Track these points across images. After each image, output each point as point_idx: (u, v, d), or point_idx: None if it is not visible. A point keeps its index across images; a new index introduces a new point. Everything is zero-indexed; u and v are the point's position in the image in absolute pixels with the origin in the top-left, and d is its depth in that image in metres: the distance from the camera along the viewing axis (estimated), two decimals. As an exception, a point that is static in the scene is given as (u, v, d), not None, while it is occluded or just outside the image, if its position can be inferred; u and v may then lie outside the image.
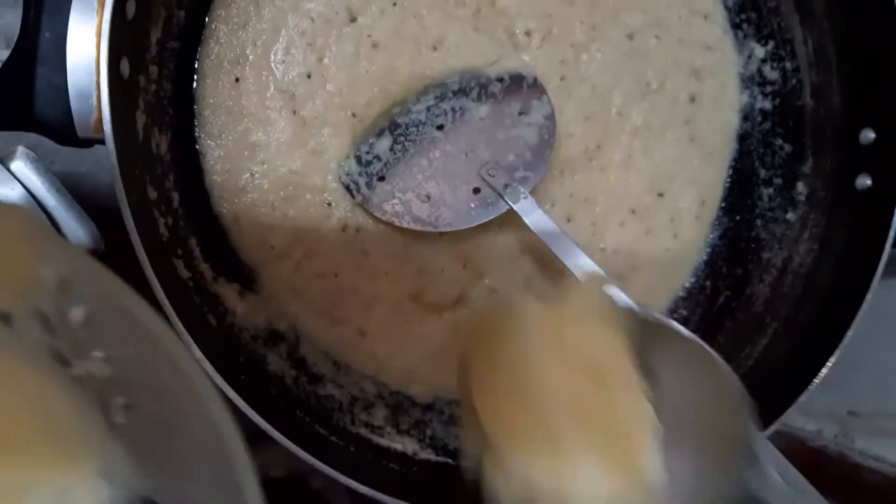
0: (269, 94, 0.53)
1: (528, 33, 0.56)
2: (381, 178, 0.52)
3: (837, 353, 0.49)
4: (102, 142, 0.40)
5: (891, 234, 0.50)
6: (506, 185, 0.50)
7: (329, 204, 0.53)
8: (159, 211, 0.46)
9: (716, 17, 0.60)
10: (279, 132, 0.53)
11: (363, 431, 0.54)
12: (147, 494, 0.29)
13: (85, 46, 0.39)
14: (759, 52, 0.60)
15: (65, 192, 0.43)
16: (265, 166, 0.53)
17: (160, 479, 0.30)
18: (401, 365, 0.56)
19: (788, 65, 0.59)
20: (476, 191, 0.52)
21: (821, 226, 0.56)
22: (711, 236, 0.61)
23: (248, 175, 0.53)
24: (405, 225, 0.51)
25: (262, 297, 0.53)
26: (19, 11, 0.38)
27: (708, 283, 0.61)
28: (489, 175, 0.51)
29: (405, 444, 0.55)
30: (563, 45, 0.57)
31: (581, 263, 0.48)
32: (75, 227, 0.43)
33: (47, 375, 0.29)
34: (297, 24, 0.52)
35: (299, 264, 0.53)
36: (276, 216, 0.53)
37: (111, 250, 0.43)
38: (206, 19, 0.51)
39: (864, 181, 0.53)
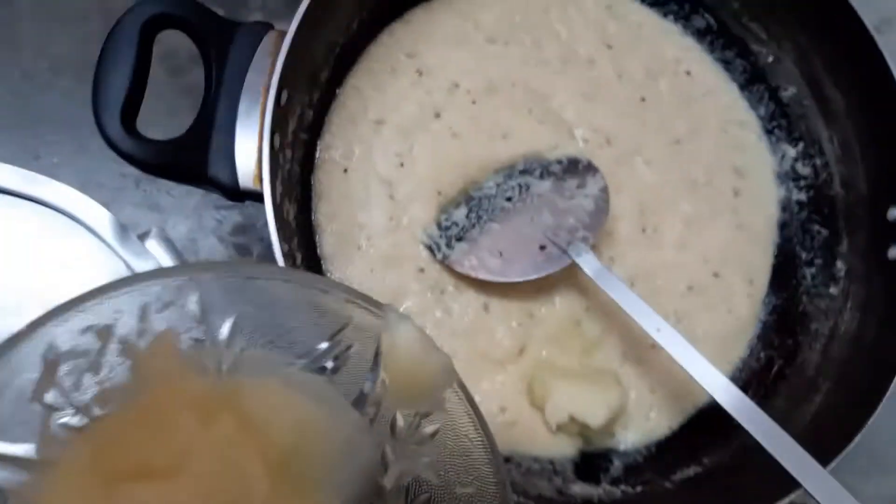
0: (371, 182, 0.63)
1: (585, 140, 0.66)
2: (459, 239, 0.61)
3: (884, 401, 0.54)
4: (258, 196, 0.49)
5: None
6: (568, 242, 0.59)
7: (421, 270, 0.62)
8: (288, 261, 0.55)
9: (750, 125, 0.70)
10: (380, 212, 0.62)
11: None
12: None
13: (250, 120, 0.50)
14: (791, 152, 0.69)
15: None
16: (369, 240, 0.62)
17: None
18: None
19: (818, 161, 0.68)
20: (542, 248, 0.60)
21: (861, 295, 0.62)
22: (762, 313, 0.67)
23: (355, 248, 0.62)
24: (481, 276, 0.59)
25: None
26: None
27: (762, 354, 0.66)
28: (553, 235, 0.59)
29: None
30: (616, 150, 0.67)
31: (640, 308, 0.55)
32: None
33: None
34: (396, 123, 0.63)
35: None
36: (374, 279, 0.61)
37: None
38: (325, 118, 0.62)
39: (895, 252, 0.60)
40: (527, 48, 0.68)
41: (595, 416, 0.59)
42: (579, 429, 0.61)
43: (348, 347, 0.41)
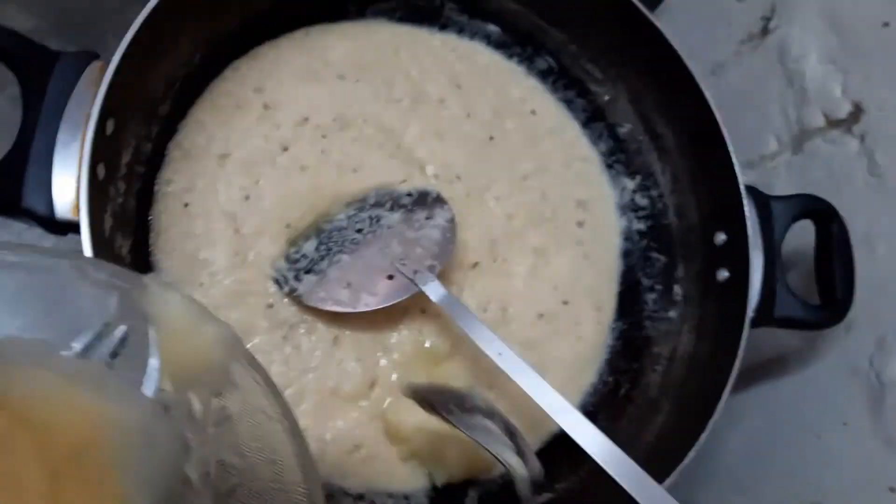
0: (213, 217, 0.61)
1: (436, 176, 0.68)
2: (308, 272, 0.60)
3: (715, 416, 0.57)
4: (77, 228, 0.48)
5: (749, 313, 0.60)
6: (415, 272, 0.59)
7: (270, 306, 0.61)
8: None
9: (592, 160, 0.73)
10: (224, 248, 0.61)
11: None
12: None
13: (69, 151, 0.48)
14: (630, 184, 0.73)
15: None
16: (212, 278, 0.60)
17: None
18: (330, 461, 0.60)
19: (654, 192, 0.71)
20: (390, 277, 0.60)
21: (696, 318, 0.66)
22: (610, 338, 0.69)
23: (196, 285, 0.60)
24: (329, 308, 0.59)
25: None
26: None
27: (610, 378, 0.68)
28: (401, 264, 0.60)
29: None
30: (466, 186, 0.68)
31: (483, 334, 0.55)
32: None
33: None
34: (241, 157, 0.63)
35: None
36: (219, 317, 0.59)
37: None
38: (166, 152, 0.61)
39: (723, 273, 0.63)
40: (377, 85, 0.69)
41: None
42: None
43: (122, 329, 0.37)
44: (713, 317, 0.64)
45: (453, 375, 0.62)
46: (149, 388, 0.35)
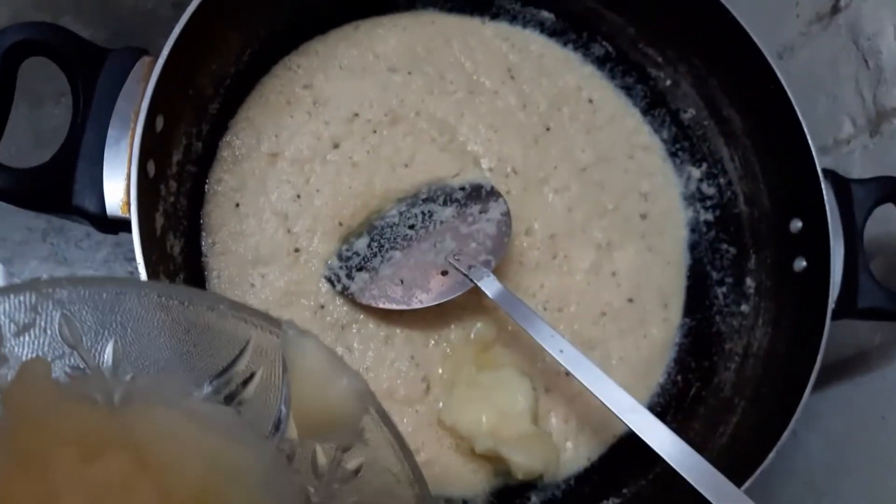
0: (265, 217, 0.60)
1: (491, 169, 0.65)
2: (360, 269, 0.58)
3: (796, 415, 0.53)
4: (128, 226, 0.47)
5: (830, 304, 0.56)
6: (470, 267, 0.57)
7: (321, 306, 0.59)
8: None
9: (655, 149, 0.70)
10: (275, 248, 0.60)
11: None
12: None
13: (119, 148, 0.48)
14: (696, 173, 0.69)
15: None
16: (264, 279, 0.59)
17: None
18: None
19: (722, 180, 0.68)
20: (444, 273, 0.58)
21: (771, 311, 0.62)
22: (678, 336, 0.66)
23: (248, 286, 0.59)
24: (382, 305, 0.57)
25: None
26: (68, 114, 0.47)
27: (679, 377, 0.64)
28: (455, 260, 0.57)
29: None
30: (524, 179, 0.66)
31: (542, 330, 0.53)
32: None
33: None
34: (291, 155, 0.61)
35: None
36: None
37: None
38: (216, 150, 0.60)
39: (801, 263, 0.59)
40: (429, 78, 0.67)
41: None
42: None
43: (252, 373, 0.37)
44: (790, 309, 0.60)
45: (502, 362, 0.60)
46: (275, 437, 0.34)
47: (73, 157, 0.47)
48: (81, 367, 0.36)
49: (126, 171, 0.47)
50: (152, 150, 0.49)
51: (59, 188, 0.47)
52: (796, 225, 0.60)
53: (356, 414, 0.34)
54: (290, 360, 0.34)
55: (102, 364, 0.36)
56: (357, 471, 0.36)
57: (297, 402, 0.34)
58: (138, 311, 0.36)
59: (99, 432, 0.32)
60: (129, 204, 0.47)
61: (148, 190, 0.49)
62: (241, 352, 0.36)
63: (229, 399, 0.37)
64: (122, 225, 0.48)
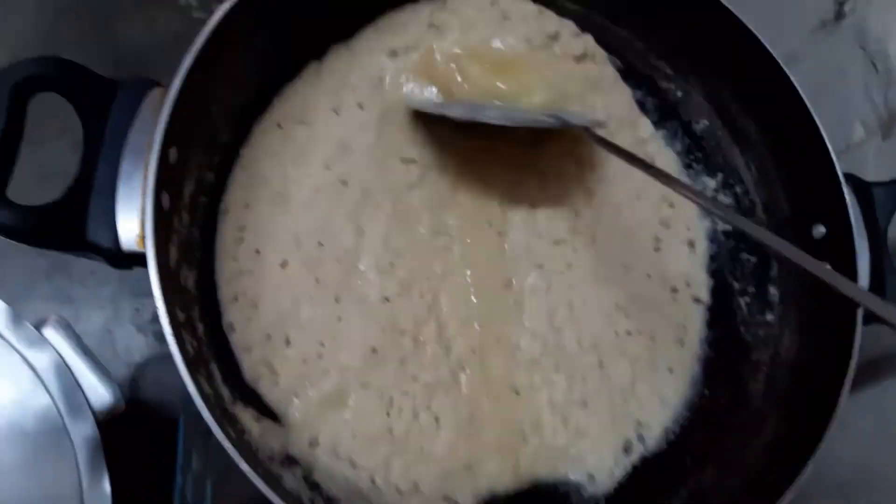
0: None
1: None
2: None
3: (833, 423, 0.51)
4: (142, 260, 0.46)
5: (860, 311, 0.55)
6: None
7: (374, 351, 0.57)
8: (186, 331, 0.51)
9: (668, 161, 0.69)
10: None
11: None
12: None
13: (132, 181, 0.47)
14: (712, 183, 0.68)
15: (92, 354, 0.49)
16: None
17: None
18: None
19: (738, 189, 0.67)
20: None
21: (798, 319, 0.60)
22: (700, 350, 0.64)
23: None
24: None
25: (276, 424, 0.55)
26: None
27: (706, 390, 0.63)
28: None
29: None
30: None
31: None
32: (99, 388, 0.48)
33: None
34: (299, 199, 0.60)
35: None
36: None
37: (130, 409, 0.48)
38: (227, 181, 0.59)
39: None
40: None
41: None
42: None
43: None
44: (818, 316, 0.59)
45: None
46: None
47: (86, 192, 0.46)
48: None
49: (140, 203, 0.46)
50: (166, 181, 0.48)
51: (72, 224, 0.46)
52: (819, 230, 0.59)
53: None
54: None
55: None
56: None
57: None
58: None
59: None
60: (143, 238, 0.46)
61: (162, 222, 0.48)
62: None
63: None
64: (136, 259, 0.47)
